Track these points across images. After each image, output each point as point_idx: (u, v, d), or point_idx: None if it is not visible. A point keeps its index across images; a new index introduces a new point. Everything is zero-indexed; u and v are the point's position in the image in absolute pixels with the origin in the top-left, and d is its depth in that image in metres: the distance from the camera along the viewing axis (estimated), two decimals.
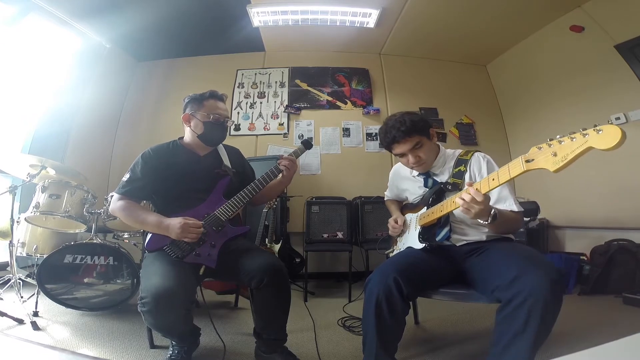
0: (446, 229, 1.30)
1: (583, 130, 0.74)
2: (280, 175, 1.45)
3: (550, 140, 0.81)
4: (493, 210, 1.07)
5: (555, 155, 0.78)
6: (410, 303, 1.27)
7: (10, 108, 2.67)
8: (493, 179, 0.97)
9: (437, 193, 1.32)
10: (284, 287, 1.34)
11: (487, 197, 1.02)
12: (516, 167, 0.89)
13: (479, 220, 1.09)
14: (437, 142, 1.42)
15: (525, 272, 0.98)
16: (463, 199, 1.03)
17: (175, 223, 1.27)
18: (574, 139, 0.75)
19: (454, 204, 1.10)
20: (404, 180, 1.52)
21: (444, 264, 1.28)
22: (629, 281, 2.24)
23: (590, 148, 0.73)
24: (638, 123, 2.45)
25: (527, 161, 0.86)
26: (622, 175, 2.52)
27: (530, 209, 2.77)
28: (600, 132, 0.71)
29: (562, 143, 0.78)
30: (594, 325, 1.79)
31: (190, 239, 1.27)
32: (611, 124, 0.70)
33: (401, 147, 1.32)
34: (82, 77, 3.16)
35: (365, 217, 2.92)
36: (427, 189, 1.40)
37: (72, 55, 3.06)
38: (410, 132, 1.29)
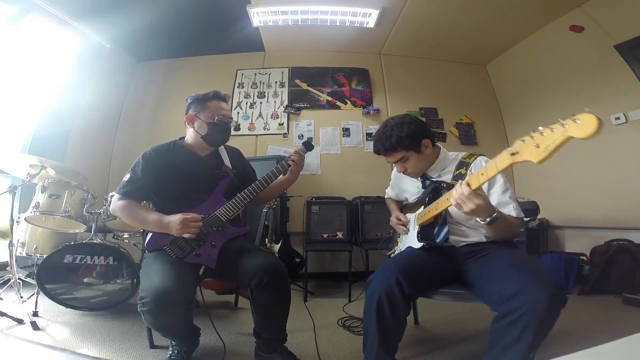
0: (445, 230, 1.30)
1: (562, 120, 0.76)
2: (289, 170, 1.45)
3: (533, 132, 0.82)
4: (496, 214, 1.07)
5: (538, 146, 0.80)
6: (411, 303, 1.27)
7: (10, 108, 2.67)
8: (482, 174, 0.98)
9: (433, 192, 1.32)
10: (283, 287, 1.34)
11: (479, 193, 1.01)
12: (502, 160, 0.91)
13: (478, 219, 1.09)
14: (438, 144, 1.42)
15: (524, 290, 0.95)
16: (456, 191, 1.03)
17: (174, 219, 1.27)
18: (555, 130, 0.77)
19: (448, 200, 1.10)
20: (405, 180, 1.53)
21: (444, 264, 1.28)
22: (629, 281, 2.24)
23: (570, 138, 0.74)
24: (638, 123, 2.45)
25: (513, 154, 0.87)
26: (622, 175, 2.52)
27: (530, 208, 2.77)
28: (578, 122, 0.73)
29: (544, 134, 0.79)
30: (594, 325, 1.79)
31: (191, 233, 1.27)
32: (589, 112, 0.71)
33: (386, 158, 1.38)
34: (82, 77, 3.15)
35: (365, 217, 2.92)
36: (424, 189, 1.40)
37: (72, 55, 3.06)
38: (395, 148, 1.31)
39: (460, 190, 1.01)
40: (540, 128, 0.80)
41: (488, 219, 1.06)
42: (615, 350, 0.51)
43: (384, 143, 1.32)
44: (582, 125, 0.72)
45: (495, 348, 0.99)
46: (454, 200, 1.04)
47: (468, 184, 1.00)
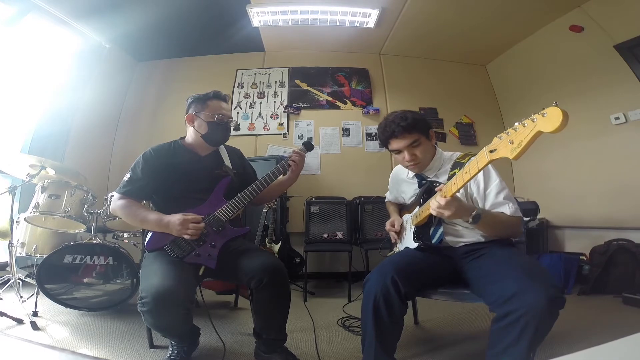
0: (440, 230, 1.29)
1: (533, 115, 0.77)
2: (289, 170, 1.45)
3: (508, 129, 0.84)
4: (475, 211, 1.07)
5: (512, 143, 0.81)
6: (410, 303, 1.27)
7: (10, 108, 2.66)
8: (466, 172, 0.99)
9: (427, 191, 1.32)
10: (283, 287, 1.34)
11: (454, 198, 1.04)
12: (482, 159, 0.93)
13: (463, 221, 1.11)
14: (435, 145, 1.42)
15: (523, 290, 0.95)
16: (433, 203, 1.07)
17: (174, 219, 1.27)
18: (526, 125, 0.78)
19: None
20: (402, 182, 1.52)
21: (442, 264, 1.28)
22: (629, 281, 2.24)
23: (539, 132, 0.75)
24: (638, 123, 2.46)
25: (491, 151, 0.89)
26: (622, 175, 2.52)
27: (530, 209, 2.77)
28: (545, 116, 0.74)
29: (517, 130, 0.81)
30: (594, 325, 1.79)
31: (191, 234, 1.27)
32: (555, 105, 0.72)
33: (398, 142, 1.32)
34: (82, 77, 3.15)
35: (365, 217, 2.92)
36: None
37: (71, 55, 3.05)
38: (411, 128, 1.29)
39: (435, 203, 1.06)
40: (516, 124, 0.81)
41: (470, 219, 1.07)
42: (615, 350, 0.51)
43: (399, 123, 1.29)
44: (549, 118, 0.73)
45: (495, 348, 1.00)
46: (433, 211, 1.07)
47: (443, 195, 1.05)
